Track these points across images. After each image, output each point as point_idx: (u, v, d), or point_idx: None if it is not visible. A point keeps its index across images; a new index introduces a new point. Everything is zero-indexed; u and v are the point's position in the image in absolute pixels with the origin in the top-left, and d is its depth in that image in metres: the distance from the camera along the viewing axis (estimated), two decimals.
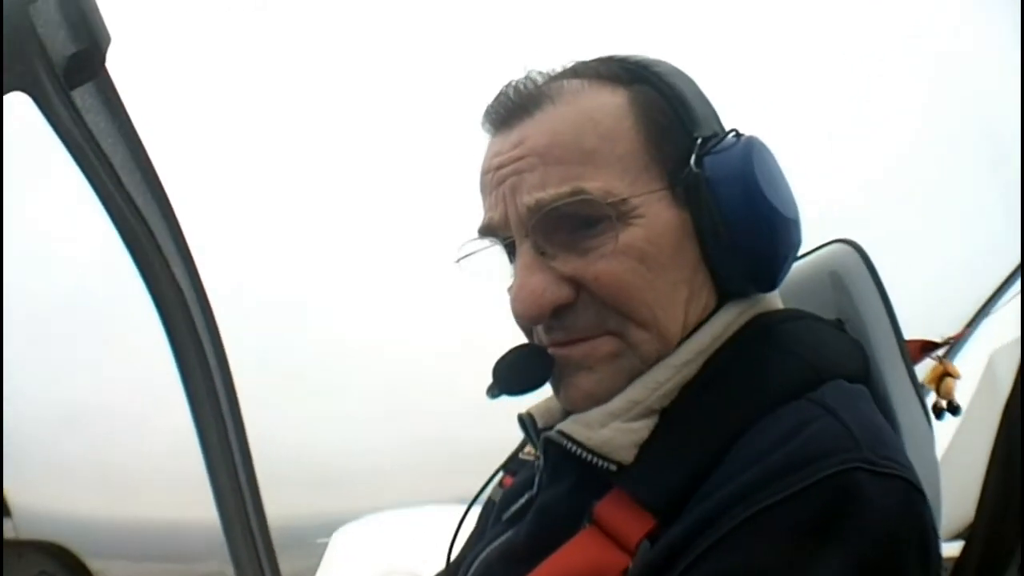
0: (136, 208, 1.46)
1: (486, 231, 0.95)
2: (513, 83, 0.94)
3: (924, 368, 1.25)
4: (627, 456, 0.85)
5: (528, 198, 0.87)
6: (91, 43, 1.18)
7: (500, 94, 0.94)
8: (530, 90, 0.92)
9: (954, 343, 1.33)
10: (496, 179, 0.91)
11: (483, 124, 0.97)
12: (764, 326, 0.93)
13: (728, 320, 0.92)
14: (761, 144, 0.91)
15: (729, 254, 0.89)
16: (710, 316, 0.93)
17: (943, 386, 1.22)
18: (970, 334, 2.12)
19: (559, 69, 0.97)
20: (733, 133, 0.93)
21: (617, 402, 0.89)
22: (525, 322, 0.93)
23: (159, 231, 1.52)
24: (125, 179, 1.41)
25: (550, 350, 0.93)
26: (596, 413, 0.89)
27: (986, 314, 2.17)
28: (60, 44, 1.17)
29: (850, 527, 0.71)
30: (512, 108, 0.92)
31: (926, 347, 1.22)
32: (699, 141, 0.89)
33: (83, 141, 1.33)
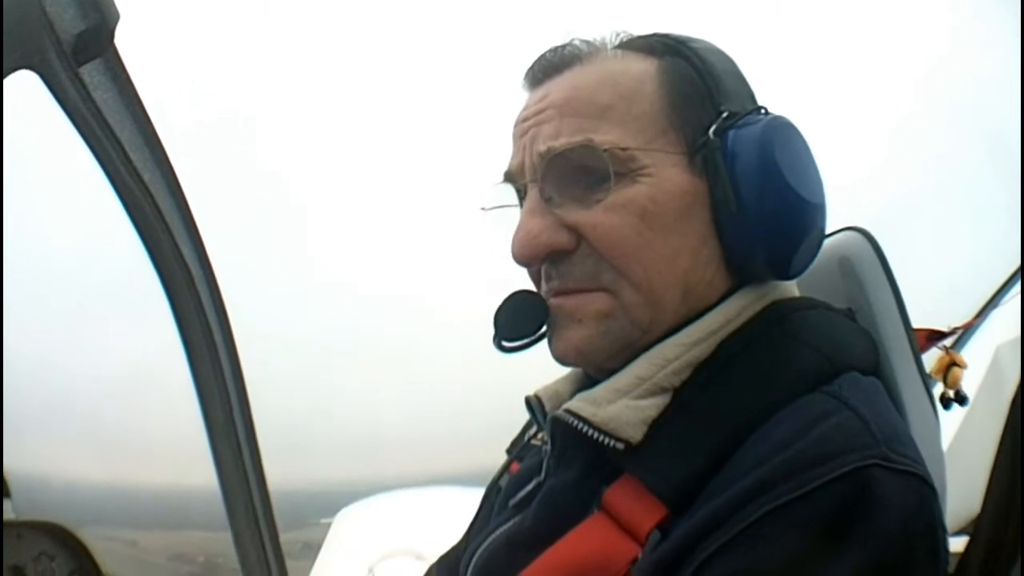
0: (144, 184, 1.46)
1: (506, 177, 0.98)
2: (553, 47, 0.96)
3: (931, 358, 1.24)
4: (635, 434, 0.83)
5: (542, 146, 0.90)
6: (100, 20, 1.18)
7: (540, 56, 0.97)
8: (565, 52, 0.95)
9: (961, 333, 1.32)
10: (520, 131, 0.94)
11: (522, 83, 0.99)
12: (779, 314, 0.91)
13: (742, 305, 0.91)
14: (788, 124, 0.90)
15: (741, 229, 0.88)
16: (724, 298, 0.92)
17: (950, 376, 1.21)
18: (977, 325, 2.12)
19: (599, 38, 0.98)
20: (762, 110, 0.92)
21: (623, 378, 0.88)
22: (519, 261, 0.94)
23: (166, 209, 1.52)
24: (132, 156, 1.41)
25: (549, 301, 0.94)
26: (602, 390, 0.89)
27: (992, 307, 2.16)
28: (68, 22, 1.16)
29: (868, 524, 0.70)
30: (546, 67, 0.95)
31: (933, 336, 1.21)
32: (724, 114, 0.89)
33: (91, 117, 1.32)
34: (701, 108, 0.90)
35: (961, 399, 1.20)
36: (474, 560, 0.99)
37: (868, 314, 1.03)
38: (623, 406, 0.85)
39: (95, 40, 1.21)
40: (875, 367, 0.93)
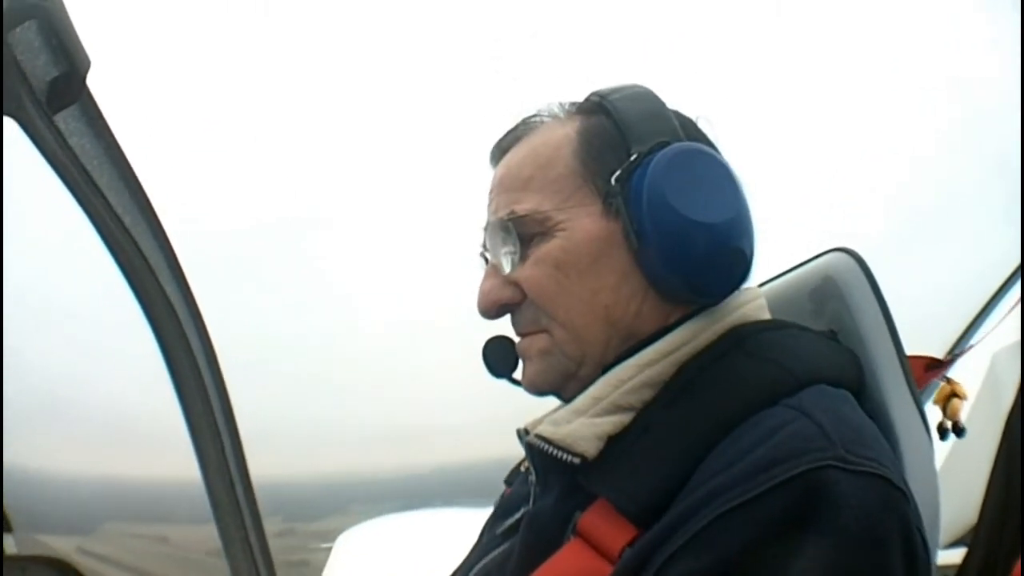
0: (125, 227, 1.46)
1: (482, 248, 1.10)
2: (508, 129, 1.09)
3: (930, 386, 1.22)
4: (589, 448, 0.87)
5: (485, 222, 1.05)
6: (71, 67, 1.18)
7: (496, 140, 1.10)
8: (510, 136, 1.08)
9: (955, 358, 1.30)
10: (486, 210, 1.08)
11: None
12: (741, 336, 0.93)
13: (698, 328, 0.94)
14: (682, 150, 0.92)
15: (651, 261, 0.93)
16: (680, 322, 0.95)
17: (949, 407, 1.19)
18: (973, 345, 2.09)
19: (547, 109, 1.08)
20: (666, 144, 0.94)
21: (581, 400, 0.94)
22: (481, 315, 1.06)
23: (149, 250, 1.52)
24: (112, 199, 1.41)
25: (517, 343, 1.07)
26: (563, 412, 0.95)
27: (987, 314, 2.14)
28: (40, 69, 1.17)
29: (823, 523, 0.70)
30: (494, 152, 1.09)
31: (930, 366, 1.20)
32: (633, 158, 0.94)
33: (69, 163, 1.33)
34: (613, 157, 0.96)
35: (959, 430, 1.17)
36: None
37: (855, 334, 1.02)
38: (579, 423, 0.91)
39: (67, 87, 1.21)
40: (854, 383, 0.94)
